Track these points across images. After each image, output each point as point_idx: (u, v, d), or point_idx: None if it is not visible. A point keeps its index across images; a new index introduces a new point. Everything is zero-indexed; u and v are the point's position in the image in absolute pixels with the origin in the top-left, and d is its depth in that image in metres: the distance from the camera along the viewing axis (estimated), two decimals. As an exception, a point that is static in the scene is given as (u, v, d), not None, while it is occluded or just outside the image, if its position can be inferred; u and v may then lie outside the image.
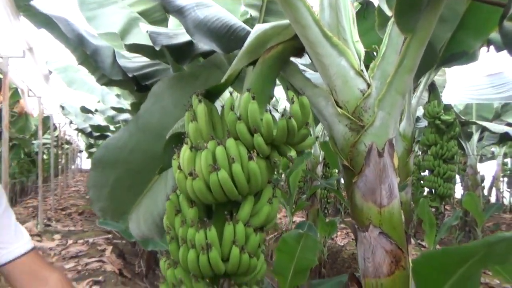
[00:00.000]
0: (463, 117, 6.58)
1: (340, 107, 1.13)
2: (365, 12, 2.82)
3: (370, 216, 1.13)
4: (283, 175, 7.57)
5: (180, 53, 1.76)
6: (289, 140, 1.11)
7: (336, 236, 6.63)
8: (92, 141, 13.98)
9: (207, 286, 1.05)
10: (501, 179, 12.07)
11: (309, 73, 1.29)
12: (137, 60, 2.59)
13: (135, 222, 1.65)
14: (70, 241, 5.74)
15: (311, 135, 1.18)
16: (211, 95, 1.21)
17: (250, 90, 1.05)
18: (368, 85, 1.12)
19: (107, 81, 2.97)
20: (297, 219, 7.47)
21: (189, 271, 1.06)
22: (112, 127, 8.90)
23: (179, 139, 1.20)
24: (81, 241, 5.76)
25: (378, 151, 1.12)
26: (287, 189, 5.18)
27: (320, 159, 5.40)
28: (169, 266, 1.11)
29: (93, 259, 4.84)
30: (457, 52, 2.73)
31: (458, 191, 9.07)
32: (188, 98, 1.18)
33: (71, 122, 11.64)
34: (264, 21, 2.82)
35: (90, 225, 7.05)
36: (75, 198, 11.33)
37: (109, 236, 5.96)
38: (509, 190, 12.35)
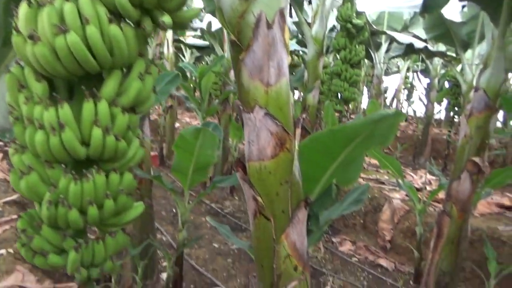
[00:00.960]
0: (374, 27, 6.72)
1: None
2: None
3: (257, 96, 1.03)
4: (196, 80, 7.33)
5: None
6: (163, 4, 0.91)
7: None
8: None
9: (65, 173, 0.90)
10: (402, 91, 13.13)
11: None
12: None
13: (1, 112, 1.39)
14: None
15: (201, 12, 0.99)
16: None
17: None
18: None
19: None
20: (212, 125, 7.41)
21: (40, 156, 0.89)
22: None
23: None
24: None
25: (267, 22, 0.99)
26: (200, 94, 5.00)
27: (234, 62, 5.21)
28: (15, 151, 0.92)
29: (-18, 168, 4.37)
30: None
31: (366, 103, 9.67)
32: None
33: None
34: None
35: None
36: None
37: (1, 143, 5.38)
38: (407, 101, 13.59)
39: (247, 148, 1.08)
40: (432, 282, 2.65)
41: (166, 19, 0.91)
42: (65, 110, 0.85)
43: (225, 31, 4.52)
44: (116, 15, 0.88)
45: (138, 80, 0.93)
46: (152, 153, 6.52)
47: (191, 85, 6.26)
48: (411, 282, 3.28)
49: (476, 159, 2.38)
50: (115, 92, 0.91)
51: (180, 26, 1.00)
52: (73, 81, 0.96)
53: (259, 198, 1.10)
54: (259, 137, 1.04)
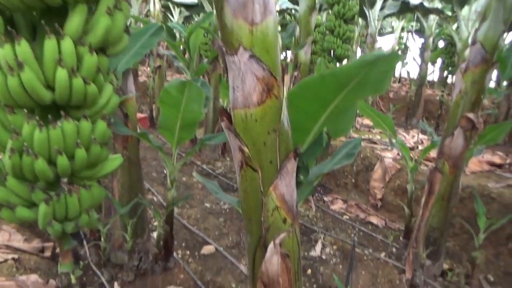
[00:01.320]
0: (369, -19, 6.46)
1: None
2: None
3: (241, 36, 0.94)
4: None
5: None
6: None
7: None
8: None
9: (29, 119, 0.82)
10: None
11: None
12: None
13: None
14: None
15: None
16: None
17: None
18: None
19: None
20: (202, 86, 7.27)
21: None
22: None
23: None
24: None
25: (251, -51, 0.88)
26: (188, 51, 4.82)
27: (224, 19, 5.01)
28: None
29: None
30: None
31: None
32: None
33: None
34: None
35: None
36: None
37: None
38: (401, 62, 13.39)
39: (231, 95, 1.00)
40: (422, 238, 2.68)
41: None
42: (23, 47, 0.76)
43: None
44: None
45: (106, 16, 0.83)
46: (142, 115, 6.41)
47: (180, 46, 6.05)
48: (401, 238, 3.32)
49: (471, 115, 2.33)
50: (81, 29, 0.82)
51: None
52: (35, 19, 0.86)
53: (245, 148, 1.03)
54: (244, 83, 0.96)
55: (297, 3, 4.61)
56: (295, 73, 3.60)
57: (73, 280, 0.97)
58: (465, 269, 2.74)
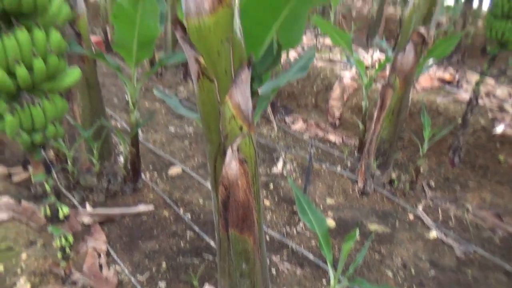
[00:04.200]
0: None
1: None
2: None
3: None
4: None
5: None
6: None
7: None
8: None
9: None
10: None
11: None
12: None
13: None
14: None
15: None
16: None
17: None
18: None
19: None
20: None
21: None
22: None
23: None
24: None
25: None
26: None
27: None
28: None
29: None
30: None
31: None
32: None
33: None
34: None
35: None
36: None
37: None
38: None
39: (184, 2, 1.02)
40: (373, 150, 2.90)
41: None
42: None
43: None
44: None
45: None
46: (96, 38, 6.08)
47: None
48: (355, 153, 3.57)
49: (421, 29, 2.42)
50: None
51: None
52: None
53: (200, 59, 1.07)
54: (196, -11, 0.98)
55: None
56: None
57: (48, 189, 1.04)
58: (410, 177, 3.04)
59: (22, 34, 0.83)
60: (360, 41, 7.86)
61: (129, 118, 2.47)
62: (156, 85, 5.09)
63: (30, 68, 0.87)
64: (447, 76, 4.23)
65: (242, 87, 1.14)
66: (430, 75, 4.18)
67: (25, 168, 2.65)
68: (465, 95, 3.73)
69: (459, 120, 3.27)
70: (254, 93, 1.23)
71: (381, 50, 5.21)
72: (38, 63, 0.87)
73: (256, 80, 1.19)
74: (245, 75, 1.13)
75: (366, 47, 6.96)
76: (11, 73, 0.86)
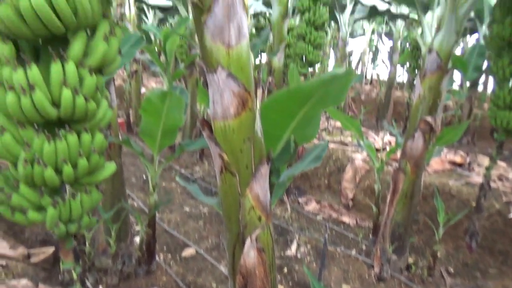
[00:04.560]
0: (339, -11, 6.73)
1: None
2: None
3: (219, 57, 1.09)
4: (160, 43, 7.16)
5: None
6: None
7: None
8: None
9: (38, 133, 0.94)
10: (367, 54, 13.35)
11: None
12: None
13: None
14: None
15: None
16: None
17: None
18: None
19: None
20: (179, 91, 7.34)
21: (12, 117, 0.92)
22: None
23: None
24: None
25: (227, -15, 1.03)
26: (165, 56, 4.92)
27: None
28: (-14, 112, 0.95)
29: None
30: None
31: (332, 65, 9.80)
32: None
33: None
34: None
35: None
36: None
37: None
38: (372, 64, 13.84)
39: (211, 108, 1.15)
40: (388, 233, 2.88)
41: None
42: (34, 71, 0.88)
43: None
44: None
45: (103, 42, 0.97)
46: (119, 120, 6.44)
47: (156, 48, 6.13)
48: (370, 235, 3.53)
49: (428, 118, 2.55)
50: (81, 53, 0.95)
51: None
52: (38, 44, 0.98)
53: (224, 155, 1.18)
54: (223, 97, 1.11)
55: (270, 6, 4.79)
56: (270, 78, 3.77)
57: (75, 276, 1.08)
58: (427, 262, 2.97)
59: (72, 138, 0.95)
60: (370, 123, 8.12)
61: (147, 199, 2.55)
62: (173, 165, 5.25)
63: (74, 165, 0.98)
64: (458, 159, 4.30)
65: (262, 181, 1.23)
66: (441, 158, 4.25)
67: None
68: (477, 178, 3.76)
69: (473, 204, 3.26)
70: (272, 185, 1.31)
71: (391, 134, 5.37)
72: (83, 162, 0.97)
73: (274, 173, 1.28)
74: (265, 170, 1.22)
75: (376, 129, 7.18)
76: (57, 170, 0.96)
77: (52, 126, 0.97)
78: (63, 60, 0.92)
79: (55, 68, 0.90)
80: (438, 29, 2.55)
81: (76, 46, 0.93)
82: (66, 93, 0.91)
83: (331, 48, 10.91)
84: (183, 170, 5.14)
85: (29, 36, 0.90)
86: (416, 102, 2.65)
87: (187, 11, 5.57)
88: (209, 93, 1.15)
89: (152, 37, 8.31)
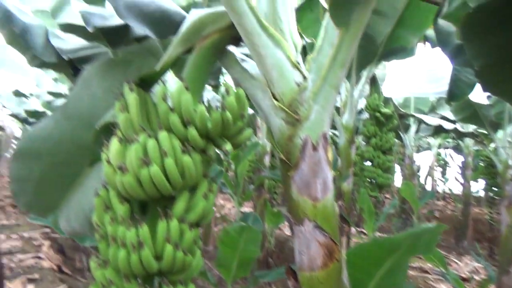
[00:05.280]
0: (402, 110, 6.92)
1: (277, 100, 1.12)
2: (311, 3, 2.84)
3: (306, 210, 1.13)
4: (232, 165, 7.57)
5: (115, 36, 1.65)
6: (224, 133, 1.08)
7: (284, 226, 6.76)
8: (28, 127, 13.12)
9: (139, 286, 1.00)
10: (435, 168, 12.95)
11: (249, 63, 1.26)
12: (74, 42, 2.42)
13: (65, 217, 1.54)
14: (2, 236, 5.35)
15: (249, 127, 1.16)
16: (145, 83, 1.14)
17: (183, 80, 1.00)
18: (304, 78, 1.11)
19: (39, 63, 2.75)
20: (246, 209, 7.51)
21: (120, 271, 1.00)
22: (50, 113, 8.38)
23: (110, 129, 1.13)
24: (15, 236, 5.38)
25: (312, 145, 1.12)
26: (235, 179, 5.18)
27: (268, 149, 5.44)
28: (98, 266, 1.04)
29: (29, 255, 4.54)
30: (396, 47, 2.84)
31: (399, 180, 9.58)
32: (120, 86, 1.11)
33: (3, 107, 10.83)
34: (208, 7, 2.75)
35: (25, 218, 6.61)
36: (9, 190, 10.55)
37: (47, 230, 5.62)
38: (442, 179, 13.29)
39: (298, 258, 1.16)
40: None
41: (228, 147, 1.08)
42: (144, 230, 0.98)
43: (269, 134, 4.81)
44: (187, 145, 1.04)
45: (203, 199, 1.07)
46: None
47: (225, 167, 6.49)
48: None
49: (524, 253, 2.32)
50: (184, 210, 1.05)
51: (237, 146, 1.17)
52: (146, 202, 1.10)
53: (310, 305, 1.15)
54: (309, 248, 1.13)
55: (335, 128, 4.97)
56: (339, 203, 3.75)
57: None
58: None
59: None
60: (449, 243, 7.49)
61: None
62: None
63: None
64: None
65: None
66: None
67: None
68: None
69: None
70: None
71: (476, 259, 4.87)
72: None
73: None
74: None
75: (456, 251, 6.56)
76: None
77: (151, 277, 1.03)
78: (167, 217, 1.02)
79: (162, 226, 1.00)
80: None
81: (180, 204, 1.04)
82: (169, 249, 0.98)
83: (396, 163, 10.79)
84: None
85: (142, 198, 1.02)
86: (505, 232, 2.45)
87: (256, 135, 5.92)
88: (295, 244, 1.17)
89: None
